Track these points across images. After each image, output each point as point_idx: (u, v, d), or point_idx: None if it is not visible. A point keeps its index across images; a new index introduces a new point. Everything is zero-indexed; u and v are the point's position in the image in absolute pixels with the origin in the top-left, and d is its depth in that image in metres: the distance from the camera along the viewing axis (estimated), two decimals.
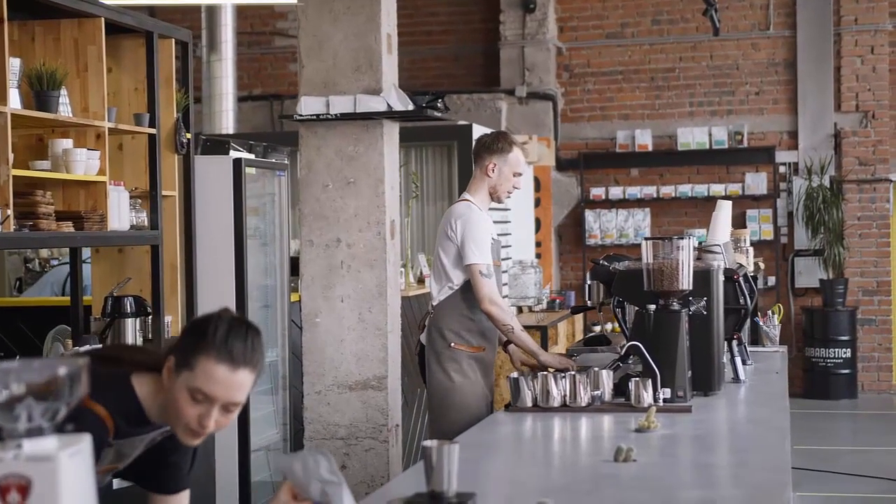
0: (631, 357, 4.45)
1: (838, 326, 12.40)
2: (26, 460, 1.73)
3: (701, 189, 12.81)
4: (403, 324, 6.25)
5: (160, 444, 2.82)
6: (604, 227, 13.08)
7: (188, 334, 2.67)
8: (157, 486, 2.92)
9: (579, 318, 11.31)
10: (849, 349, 12.39)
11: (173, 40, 5.91)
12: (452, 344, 5.22)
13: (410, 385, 7.26)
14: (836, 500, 8.18)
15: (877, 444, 10.24)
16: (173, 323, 5.87)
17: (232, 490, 6.29)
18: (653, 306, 4.42)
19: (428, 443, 2.73)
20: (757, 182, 12.78)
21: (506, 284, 9.63)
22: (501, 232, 10.02)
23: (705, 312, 4.54)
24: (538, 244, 12.34)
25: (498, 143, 5.36)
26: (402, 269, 8.06)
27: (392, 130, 5.99)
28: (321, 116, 5.79)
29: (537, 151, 11.84)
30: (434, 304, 5.33)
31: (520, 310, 10.11)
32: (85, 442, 1.80)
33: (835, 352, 12.37)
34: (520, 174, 5.38)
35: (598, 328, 11.58)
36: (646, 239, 4.47)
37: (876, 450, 10.01)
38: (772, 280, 12.70)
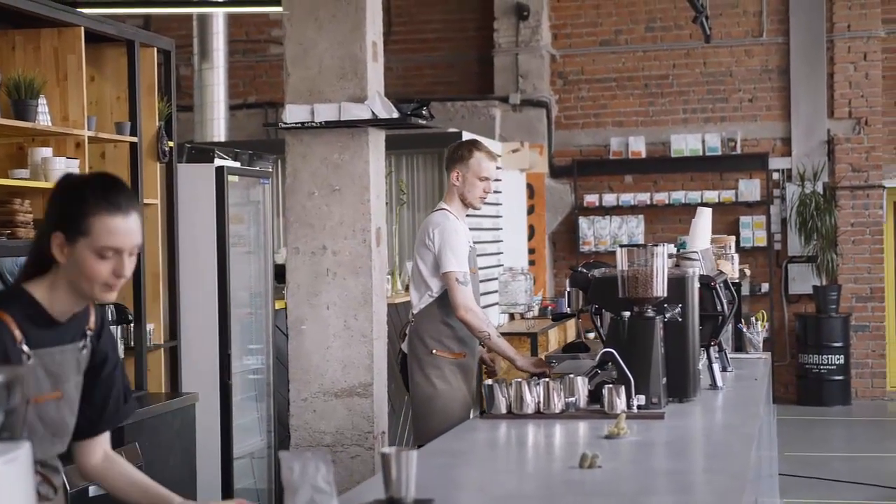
0: (608, 364, 4.45)
1: (832, 333, 12.39)
2: None
3: (694, 196, 12.82)
4: (390, 331, 6.26)
5: (91, 369, 2.84)
6: (598, 233, 13.08)
7: (64, 206, 2.70)
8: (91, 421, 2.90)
9: (571, 324, 11.31)
10: (842, 355, 12.39)
11: (155, 49, 5.93)
12: (434, 351, 5.29)
13: (397, 392, 7.27)
14: None
15: (870, 451, 10.24)
16: (155, 331, 5.88)
17: (215, 497, 6.29)
18: (627, 313, 4.43)
19: (385, 450, 2.75)
20: (750, 189, 12.78)
21: (494, 292, 9.64)
22: (493, 239, 10.05)
23: (680, 319, 4.55)
24: (532, 251, 12.36)
25: (458, 151, 5.45)
26: (389, 277, 8.08)
27: (377, 138, 6.00)
28: (306, 124, 5.81)
29: (530, 159, 11.86)
30: (414, 312, 5.43)
31: (511, 317, 10.12)
32: (23, 450, 1.81)
33: (828, 358, 12.37)
34: (486, 178, 5.40)
35: (592, 335, 11.57)
36: (621, 246, 4.49)
37: (869, 456, 10.01)
38: (765, 286, 12.71)
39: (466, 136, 10.13)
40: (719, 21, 12.71)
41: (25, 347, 2.66)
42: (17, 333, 2.65)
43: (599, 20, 13.28)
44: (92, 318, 2.86)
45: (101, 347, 2.89)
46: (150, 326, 5.76)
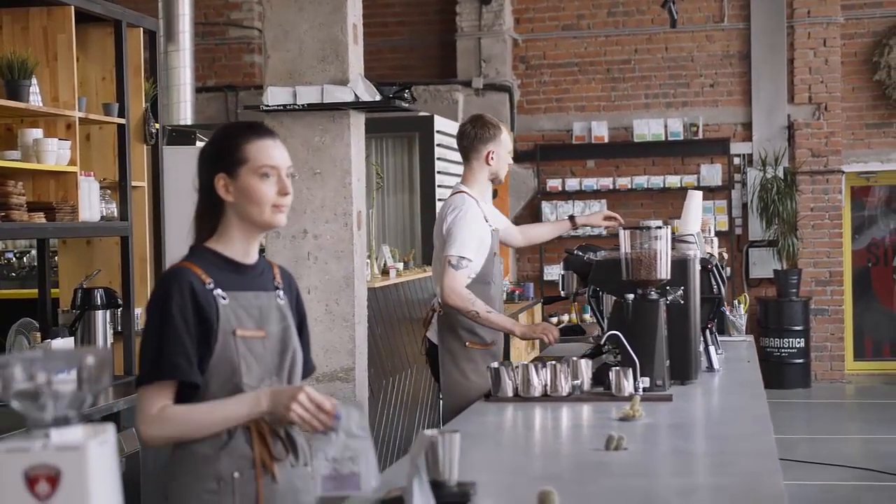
0: (606, 346, 4.45)
1: (792, 316, 12.53)
2: (55, 450, 1.71)
3: (657, 180, 12.90)
4: (370, 315, 6.23)
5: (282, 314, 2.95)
6: (560, 218, 13.11)
7: (219, 149, 2.92)
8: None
9: (538, 308, 11.35)
10: (802, 339, 12.52)
11: (141, 30, 5.84)
12: (467, 343, 5.14)
13: (377, 376, 7.25)
14: (790, 487, 8.24)
15: (830, 433, 10.37)
16: (143, 315, 5.80)
17: None
18: (631, 296, 4.44)
19: (430, 432, 2.73)
20: (712, 173, 12.87)
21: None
22: None
23: (682, 301, 4.57)
24: None
25: (488, 130, 5.28)
26: (368, 261, 8.03)
27: (358, 121, 5.97)
28: (288, 107, 5.76)
29: None
30: (441, 302, 5.17)
31: None
32: (110, 432, 1.78)
33: (788, 341, 12.50)
34: (510, 151, 5.37)
35: (555, 319, 11.63)
36: (624, 229, 4.49)
37: (829, 438, 10.14)
38: (727, 270, 12.80)
39: (439, 120, 10.10)
40: (681, 6, 12.75)
41: (219, 290, 2.83)
42: (206, 277, 2.84)
43: (562, 4, 13.30)
44: (277, 274, 3.01)
45: (295, 301, 3.04)
46: (137, 310, 5.68)
